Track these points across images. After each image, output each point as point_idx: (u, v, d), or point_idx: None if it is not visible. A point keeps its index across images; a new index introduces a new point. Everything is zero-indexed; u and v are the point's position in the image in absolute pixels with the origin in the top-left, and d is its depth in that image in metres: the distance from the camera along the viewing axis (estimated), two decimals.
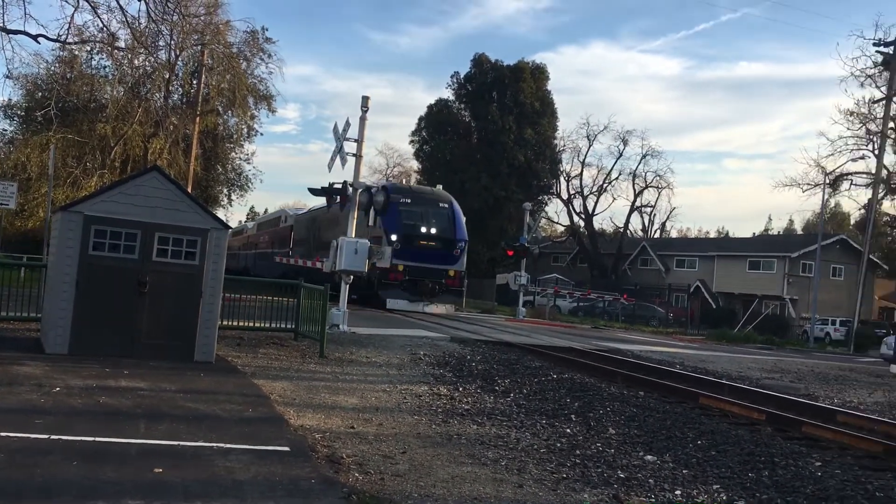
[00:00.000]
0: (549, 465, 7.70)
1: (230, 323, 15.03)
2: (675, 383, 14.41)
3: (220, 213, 49.90)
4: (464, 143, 61.18)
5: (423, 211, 29.21)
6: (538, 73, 61.88)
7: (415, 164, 67.87)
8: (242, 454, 6.67)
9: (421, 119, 65.43)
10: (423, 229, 28.75)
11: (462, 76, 63.57)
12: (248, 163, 46.94)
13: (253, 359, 12.82)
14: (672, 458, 8.57)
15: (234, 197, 49.27)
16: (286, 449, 7.05)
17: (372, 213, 26.28)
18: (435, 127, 63.68)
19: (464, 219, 30.71)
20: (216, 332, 11.87)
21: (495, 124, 58.87)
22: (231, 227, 20.92)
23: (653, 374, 15.95)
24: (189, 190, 35.88)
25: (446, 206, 30.26)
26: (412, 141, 66.22)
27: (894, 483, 8.08)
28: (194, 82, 38.96)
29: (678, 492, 7.20)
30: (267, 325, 15.86)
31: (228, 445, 6.89)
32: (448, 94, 64.89)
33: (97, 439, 6.71)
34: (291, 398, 9.84)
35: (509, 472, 7.28)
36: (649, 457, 8.51)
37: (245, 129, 43.68)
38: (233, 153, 45.96)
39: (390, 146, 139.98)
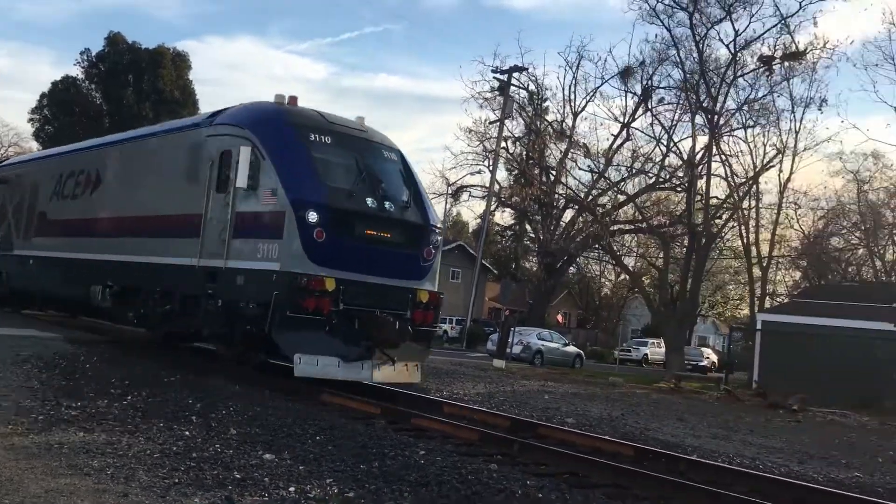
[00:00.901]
0: (161, 471, 7.38)
1: None
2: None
3: None
4: (94, 126, 56.43)
5: (359, 163, 14.03)
6: (179, 61, 59.62)
7: (35, 145, 61.43)
8: None
9: (44, 96, 59.67)
10: (371, 201, 13.58)
11: (94, 54, 59.02)
12: None
13: None
14: (290, 455, 8.72)
15: None
16: None
17: (246, 160, 13.19)
18: (60, 106, 58.39)
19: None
20: None
21: (130, 109, 55.52)
22: None
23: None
24: None
25: (395, 157, 15.21)
26: (32, 119, 60.11)
27: (484, 467, 9.05)
28: None
29: (292, 488, 7.34)
30: None
31: None
32: (77, 72, 59.86)
33: None
34: None
35: (115, 482, 6.85)
36: (268, 455, 8.56)
37: None
38: None
39: (6, 123, 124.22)
